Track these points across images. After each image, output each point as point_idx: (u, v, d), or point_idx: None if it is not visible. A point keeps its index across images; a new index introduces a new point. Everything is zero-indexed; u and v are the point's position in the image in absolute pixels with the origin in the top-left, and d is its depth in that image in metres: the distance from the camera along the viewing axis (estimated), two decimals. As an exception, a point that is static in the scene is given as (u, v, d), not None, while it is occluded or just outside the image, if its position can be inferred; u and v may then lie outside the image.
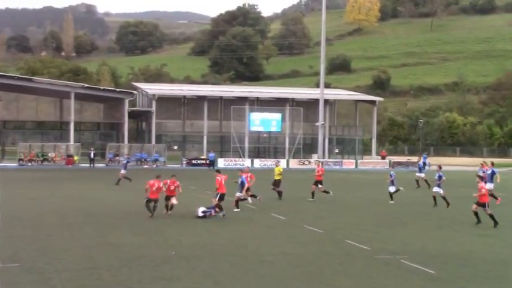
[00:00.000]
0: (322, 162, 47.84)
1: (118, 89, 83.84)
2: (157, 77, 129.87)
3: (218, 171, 27.59)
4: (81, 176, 51.73)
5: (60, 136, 79.49)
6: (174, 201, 25.79)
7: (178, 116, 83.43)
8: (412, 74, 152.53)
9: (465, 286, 14.94)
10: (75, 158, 69.91)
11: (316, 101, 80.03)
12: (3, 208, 26.98)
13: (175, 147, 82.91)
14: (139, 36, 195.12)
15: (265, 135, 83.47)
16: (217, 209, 25.52)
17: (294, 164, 74.40)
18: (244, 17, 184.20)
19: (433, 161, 64.36)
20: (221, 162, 71.74)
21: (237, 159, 75.02)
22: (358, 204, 32.74)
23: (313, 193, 33.62)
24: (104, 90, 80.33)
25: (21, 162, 67.16)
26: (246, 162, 67.09)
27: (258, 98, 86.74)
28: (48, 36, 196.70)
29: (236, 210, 27.61)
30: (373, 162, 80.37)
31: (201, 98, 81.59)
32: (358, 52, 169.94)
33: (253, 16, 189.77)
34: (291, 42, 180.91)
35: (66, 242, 19.41)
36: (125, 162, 47.19)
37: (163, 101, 79.65)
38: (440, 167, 31.93)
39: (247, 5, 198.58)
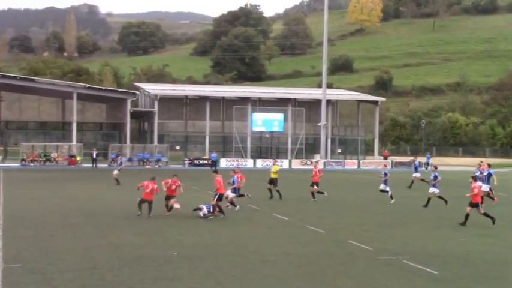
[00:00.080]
0: (318, 163, 47.80)
1: (120, 90, 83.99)
2: (160, 77, 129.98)
3: (216, 171, 27.79)
4: (84, 176, 51.69)
5: (63, 136, 79.62)
6: (177, 205, 25.53)
7: (181, 116, 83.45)
8: (415, 74, 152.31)
9: (468, 286, 14.95)
10: (78, 158, 70.02)
11: (319, 101, 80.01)
12: (5, 208, 27.09)
13: (178, 148, 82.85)
14: (142, 37, 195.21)
15: (267, 135, 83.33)
16: (217, 209, 25.55)
17: (297, 164, 74.47)
18: (246, 17, 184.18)
19: (436, 161, 64.28)
20: (223, 163, 71.75)
21: (239, 159, 75.06)
22: (360, 204, 32.72)
23: (312, 194, 33.61)
24: (106, 90, 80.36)
25: (23, 162, 67.30)
26: (249, 163, 67.02)
27: (260, 98, 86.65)
28: (50, 36, 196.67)
29: (236, 208, 27.66)
30: (375, 162, 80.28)
31: (203, 98, 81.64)
32: (360, 52, 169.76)
33: (255, 16, 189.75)
34: (293, 43, 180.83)
35: (68, 242, 19.44)
36: (119, 162, 47.14)
37: (166, 101, 79.68)
38: (436, 167, 31.70)
39: (249, 6, 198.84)
